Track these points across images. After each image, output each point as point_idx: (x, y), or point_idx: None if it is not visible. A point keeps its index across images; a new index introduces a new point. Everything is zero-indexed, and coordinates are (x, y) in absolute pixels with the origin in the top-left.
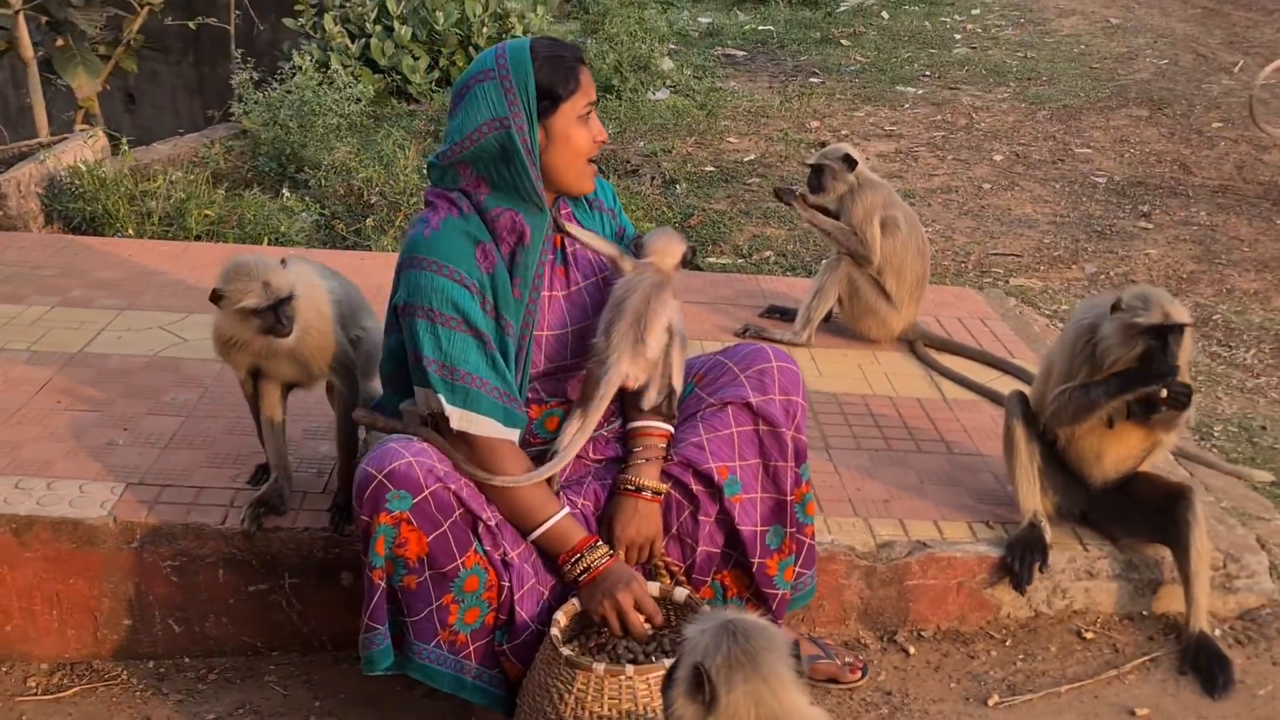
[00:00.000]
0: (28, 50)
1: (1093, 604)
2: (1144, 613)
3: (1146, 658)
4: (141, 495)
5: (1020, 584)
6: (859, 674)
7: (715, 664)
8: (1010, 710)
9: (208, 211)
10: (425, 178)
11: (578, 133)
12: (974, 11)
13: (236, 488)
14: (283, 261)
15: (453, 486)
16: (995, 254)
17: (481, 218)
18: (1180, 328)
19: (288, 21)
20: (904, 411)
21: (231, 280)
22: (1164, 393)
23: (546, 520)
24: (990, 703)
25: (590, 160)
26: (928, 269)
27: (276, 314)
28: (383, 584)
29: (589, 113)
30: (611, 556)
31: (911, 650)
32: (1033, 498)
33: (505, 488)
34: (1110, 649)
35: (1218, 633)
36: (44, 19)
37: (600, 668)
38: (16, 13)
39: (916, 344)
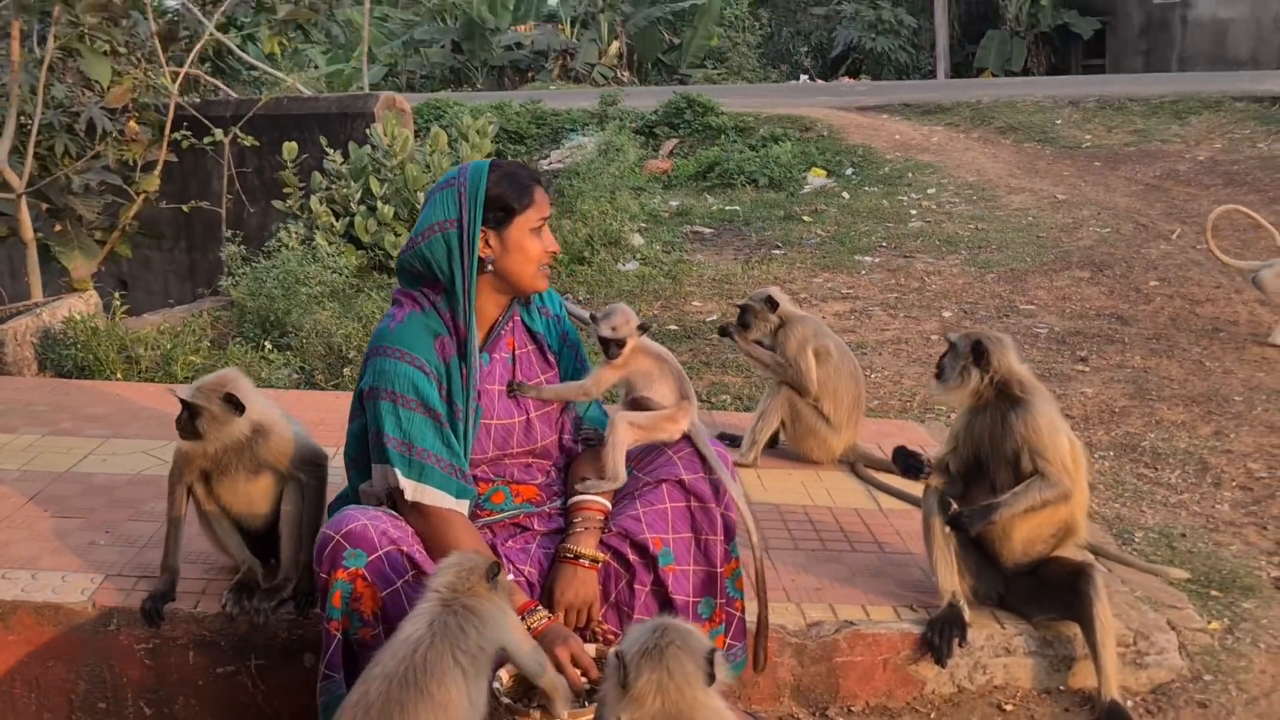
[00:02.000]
0: (28, 232)
1: (1012, 679)
2: (1060, 688)
3: None
4: (119, 585)
5: (940, 657)
6: None
7: (632, 653)
8: None
9: (193, 358)
10: None
11: (530, 243)
12: (930, 191)
13: (209, 578)
14: (231, 403)
15: (405, 549)
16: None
17: (439, 315)
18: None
19: (277, 204)
20: (841, 519)
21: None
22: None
23: None
24: None
25: (545, 266)
26: (863, 392)
27: (188, 413)
28: (339, 635)
29: (541, 226)
30: (550, 618)
31: None
32: (951, 579)
33: (454, 550)
34: (1028, 718)
35: (1130, 704)
36: (45, 206)
37: (536, 713)
38: (19, 196)
39: (857, 465)
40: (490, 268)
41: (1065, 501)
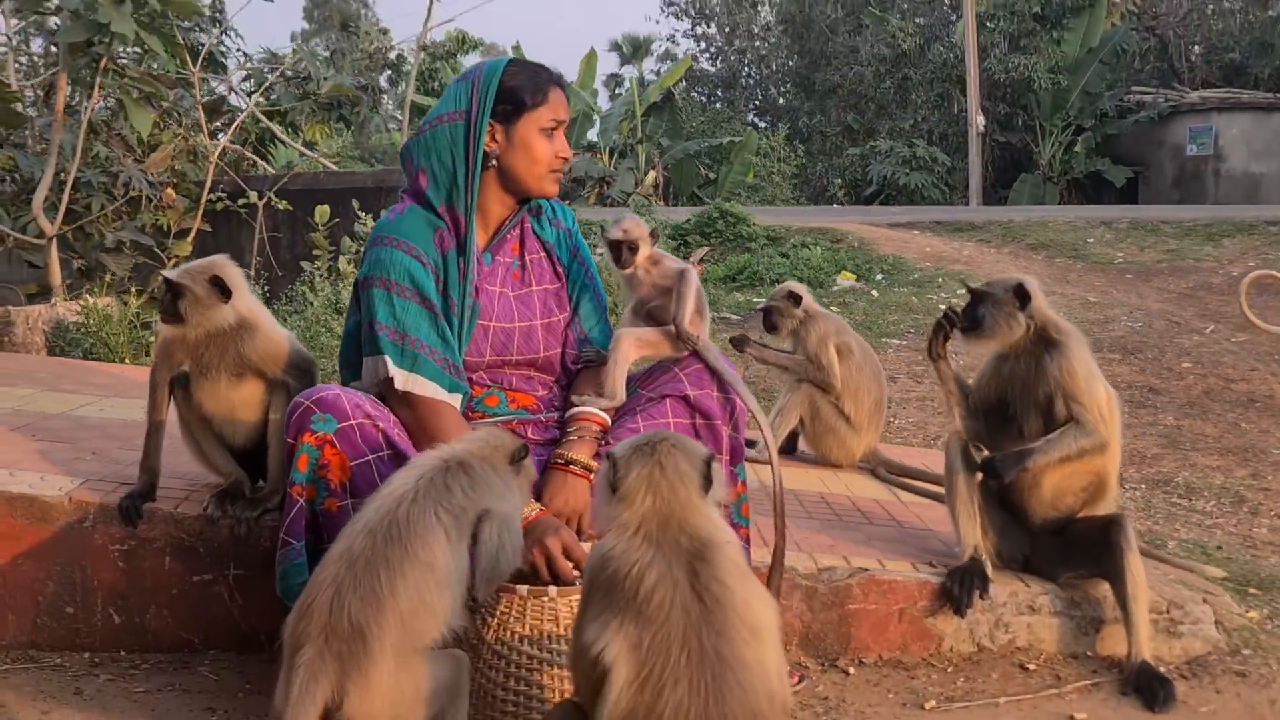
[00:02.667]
0: (56, 278)
1: (1035, 640)
2: (1088, 652)
3: (1088, 682)
4: (99, 487)
5: (960, 607)
6: (796, 680)
7: (623, 450)
8: (947, 714)
9: None
10: None
11: (539, 143)
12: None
13: (192, 488)
14: (218, 286)
15: (381, 425)
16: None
17: (436, 210)
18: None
19: (305, 264)
20: (860, 504)
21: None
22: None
23: None
24: (927, 707)
25: (555, 171)
26: (885, 393)
27: (171, 294)
28: (301, 501)
29: (554, 129)
30: (542, 510)
31: (852, 671)
32: (973, 532)
33: (441, 439)
34: (1053, 677)
35: (1162, 669)
36: (76, 263)
37: (523, 589)
38: (50, 240)
39: (878, 470)
40: (495, 163)
41: (1101, 452)
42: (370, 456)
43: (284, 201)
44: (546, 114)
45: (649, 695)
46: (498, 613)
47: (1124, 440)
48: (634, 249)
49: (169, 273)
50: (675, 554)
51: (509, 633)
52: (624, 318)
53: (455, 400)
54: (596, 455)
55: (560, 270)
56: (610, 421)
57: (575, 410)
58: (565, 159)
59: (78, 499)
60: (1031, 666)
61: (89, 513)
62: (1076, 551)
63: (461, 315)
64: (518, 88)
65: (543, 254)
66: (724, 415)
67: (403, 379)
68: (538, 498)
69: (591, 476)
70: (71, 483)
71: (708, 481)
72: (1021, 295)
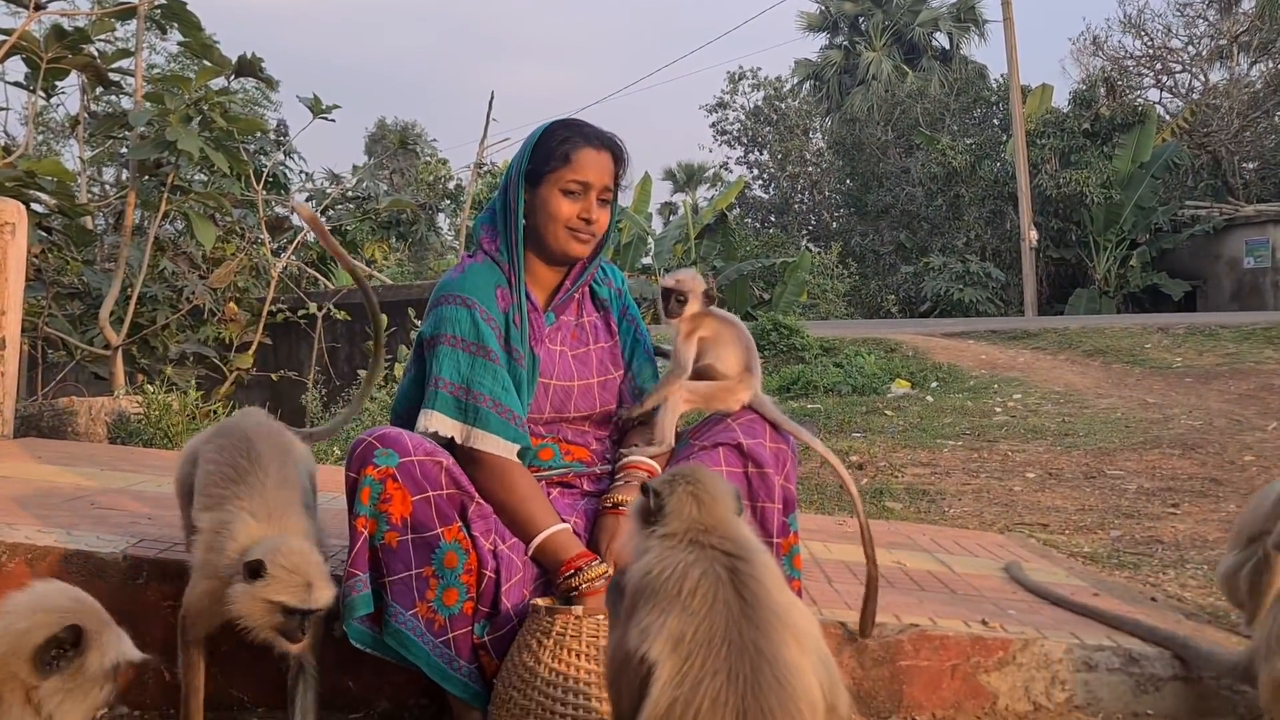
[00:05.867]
0: (120, 389)
1: (1093, 698)
2: (1149, 711)
3: None
4: (154, 545)
5: None
6: None
7: (658, 480)
8: None
9: None
10: None
11: (557, 202)
12: (1015, 396)
13: None
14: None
15: (444, 462)
16: (1022, 523)
17: (499, 267)
18: None
19: (363, 373)
20: (913, 575)
21: (283, 566)
22: None
23: (546, 529)
24: None
25: (575, 231)
26: None
27: (303, 622)
28: (365, 533)
29: (579, 191)
30: (582, 552)
31: None
32: None
33: (509, 496)
34: None
35: None
36: (140, 376)
37: (578, 609)
38: (115, 350)
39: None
40: (524, 221)
41: None
42: (430, 493)
43: (343, 312)
44: (567, 174)
45: (687, 688)
46: (553, 634)
47: (1186, 525)
48: (682, 300)
49: (296, 604)
50: (716, 555)
51: (567, 651)
52: None
53: (514, 450)
54: None
55: (613, 327)
56: (660, 469)
57: (624, 460)
58: (587, 220)
59: (133, 555)
60: None
61: (143, 569)
62: None
63: (527, 367)
64: (547, 148)
65: (598, 314)
66: (776, 465)
67: (464, 434)
68: (592, 546)
69: None
70: (127, 541)
71: (739, 506)
72: None
